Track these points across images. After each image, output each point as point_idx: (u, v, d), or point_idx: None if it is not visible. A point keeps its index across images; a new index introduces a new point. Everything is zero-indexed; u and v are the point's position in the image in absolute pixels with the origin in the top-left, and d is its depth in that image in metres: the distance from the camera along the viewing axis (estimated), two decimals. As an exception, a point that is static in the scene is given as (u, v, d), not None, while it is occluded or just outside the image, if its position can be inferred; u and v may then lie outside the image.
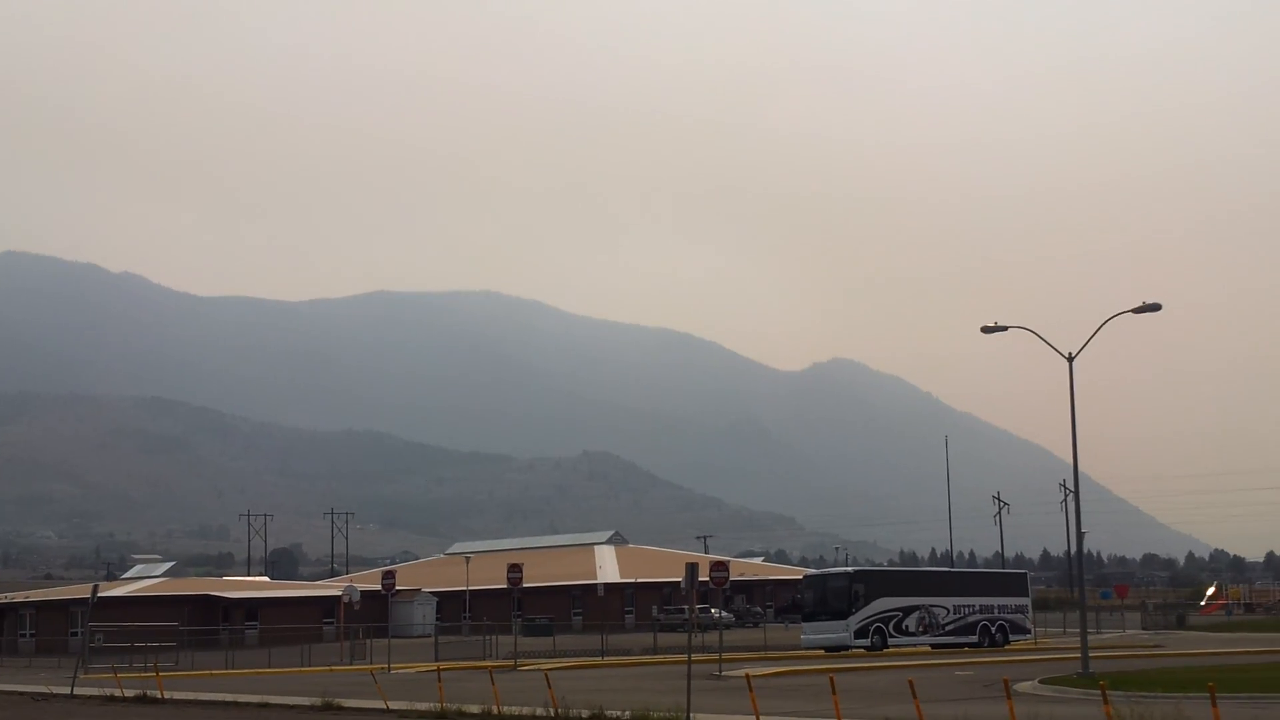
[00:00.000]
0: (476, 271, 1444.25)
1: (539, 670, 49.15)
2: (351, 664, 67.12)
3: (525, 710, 32.98)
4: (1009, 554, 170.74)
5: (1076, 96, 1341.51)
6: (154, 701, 43.34)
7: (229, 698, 42.78)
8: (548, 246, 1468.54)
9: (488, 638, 71.01)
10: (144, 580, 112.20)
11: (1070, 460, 48.96)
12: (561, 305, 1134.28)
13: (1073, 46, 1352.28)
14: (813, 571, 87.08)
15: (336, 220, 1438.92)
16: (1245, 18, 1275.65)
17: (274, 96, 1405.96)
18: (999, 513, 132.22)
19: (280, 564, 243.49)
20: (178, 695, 45.01)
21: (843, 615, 67.20)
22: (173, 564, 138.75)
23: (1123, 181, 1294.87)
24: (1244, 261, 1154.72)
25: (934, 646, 70.18)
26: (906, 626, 69.32)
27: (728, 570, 52.83)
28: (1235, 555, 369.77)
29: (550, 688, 33.82)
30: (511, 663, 59.66)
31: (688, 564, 40.14)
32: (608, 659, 64.09)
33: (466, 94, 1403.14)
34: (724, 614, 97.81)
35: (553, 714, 32.01)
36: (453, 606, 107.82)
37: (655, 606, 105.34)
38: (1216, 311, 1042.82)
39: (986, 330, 48.21)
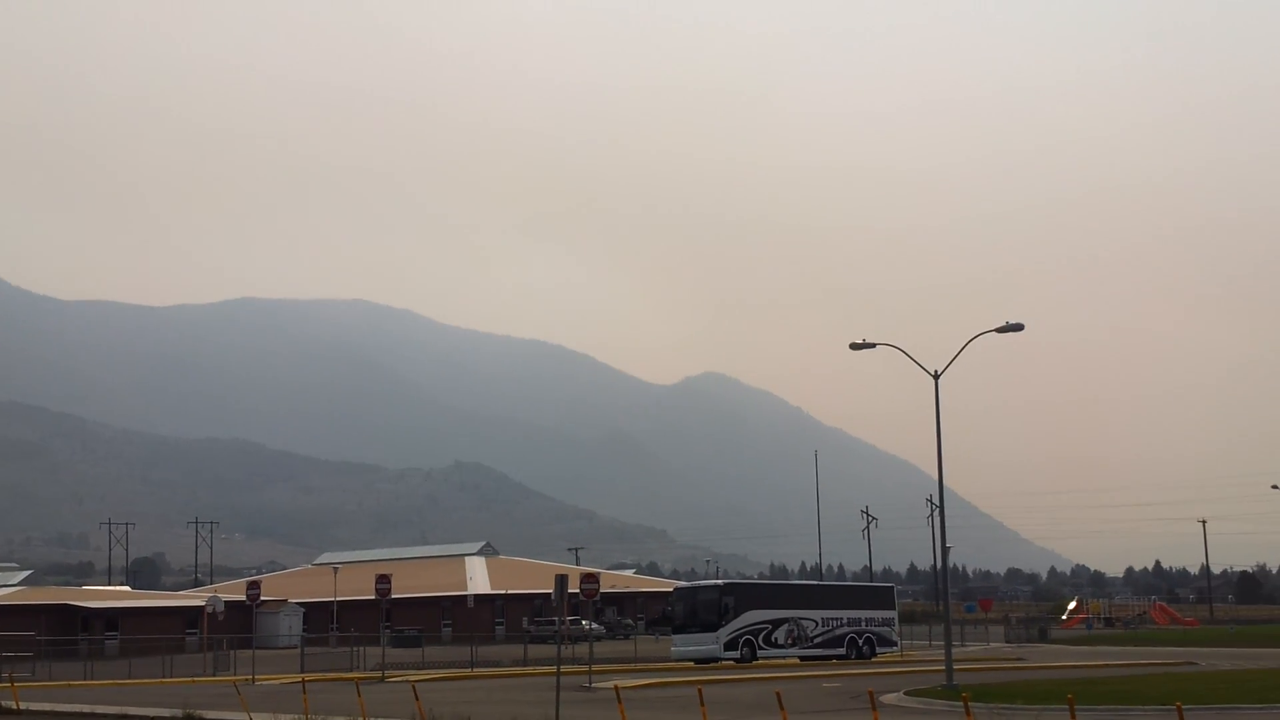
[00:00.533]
0: (347, 280, 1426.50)
1: (407, 682, 48.67)
2: (215, 675, 65.84)
3: (393, 722, 32.62)
4: (877, 568, 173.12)
5: (949, 125, 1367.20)
6: (9, 713, 42.08)
7: (87, 709, 41.69)
8: (419, 256, 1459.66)
9: (355, 649, 70.12)
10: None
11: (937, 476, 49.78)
12: (433, 315, 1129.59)
13: (948, 77, 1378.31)
14: (683, 584, 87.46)
15: (204, 225, 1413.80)
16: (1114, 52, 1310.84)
17: (141, 96, 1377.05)
18: (867, 527, 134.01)
19: (142, 573, 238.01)
20: (34, 706, 43.75)
21: (713, 628, 67.51)
22: (30, 572, 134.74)
23: (996, 211, 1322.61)
24: (1106, 292, 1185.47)
25: (803, 659, 70.84)
26: (776, 639, 69.85)
27: (598, 582, 52.75)
28: (1096, 570, 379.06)
29: (418, 699, 33.49)
30: (379, 674, 58.99)
31: (557, 576, 39.99)
32: (477, 670, 63.67)
33: (333, 98, 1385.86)
34: (595, 626, 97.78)
35: (421, 726, 31.69)
36: (320, 617, 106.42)
37: (526, 618, 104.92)
38: (1080, 336, 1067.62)
39: (855, 347, 48.79)
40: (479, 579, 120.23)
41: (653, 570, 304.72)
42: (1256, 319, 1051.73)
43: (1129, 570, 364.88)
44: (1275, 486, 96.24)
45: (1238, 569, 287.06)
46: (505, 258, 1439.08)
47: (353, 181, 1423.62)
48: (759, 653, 68.57)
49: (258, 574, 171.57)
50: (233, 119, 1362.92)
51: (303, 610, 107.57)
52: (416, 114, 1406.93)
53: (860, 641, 74.27)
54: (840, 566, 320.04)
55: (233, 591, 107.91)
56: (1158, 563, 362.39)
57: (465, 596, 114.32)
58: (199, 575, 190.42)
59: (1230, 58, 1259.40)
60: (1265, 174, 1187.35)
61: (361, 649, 69.97)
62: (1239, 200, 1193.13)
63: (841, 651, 72.87)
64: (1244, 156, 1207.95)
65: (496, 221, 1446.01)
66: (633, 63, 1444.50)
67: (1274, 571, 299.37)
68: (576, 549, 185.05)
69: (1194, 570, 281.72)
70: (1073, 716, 23.68)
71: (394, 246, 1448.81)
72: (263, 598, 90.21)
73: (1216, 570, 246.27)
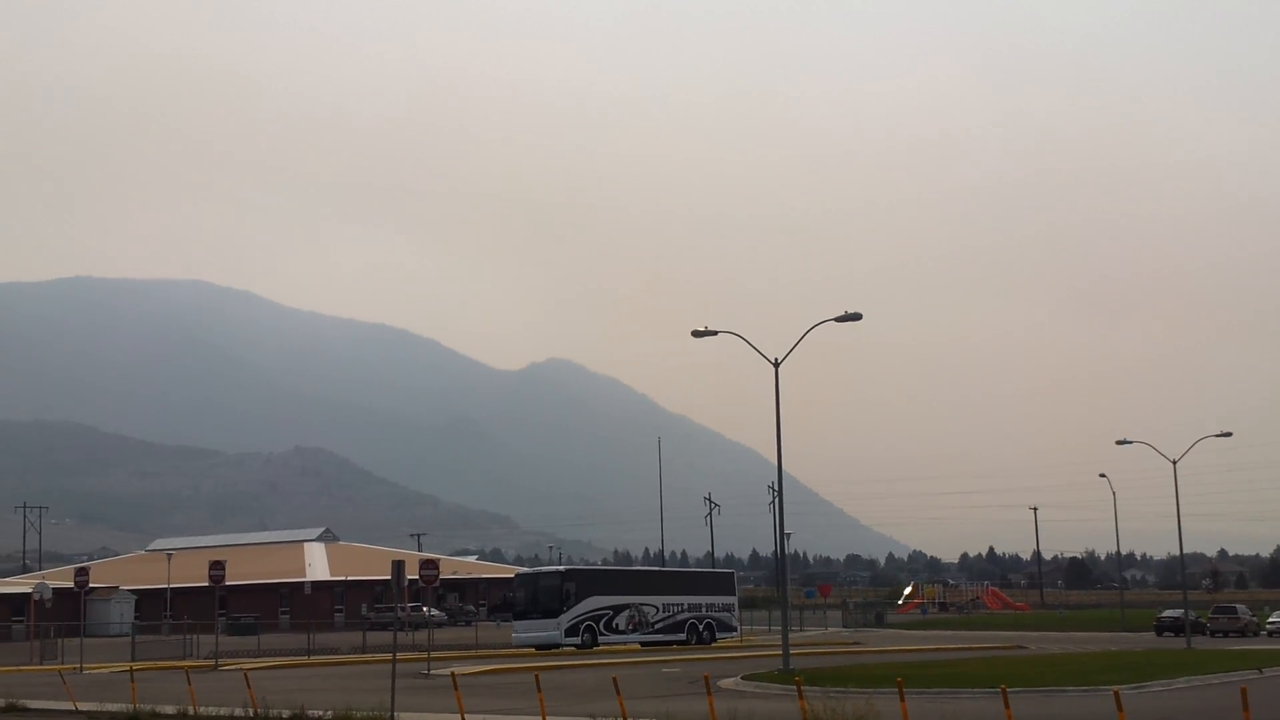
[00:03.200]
0: (186, 260, 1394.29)
1: (241, 670, 47.79)
2: (42, 664, 63.93)
3: (223, 711, 31.93)
4: (720, 554, 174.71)
5: (798, 119, 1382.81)
6: None
7: (-99, 701, 40.16)
8: (261, 238, 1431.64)
9: (189, 637, 68.71)
10: None
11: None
12: (275, 297, 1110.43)
13: (801, 70, 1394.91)
14: (525, 570, 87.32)
15: (36, 201, 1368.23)
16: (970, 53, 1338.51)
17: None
18: (710, 514, 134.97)
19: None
20: None
21: (554, 614, 67.48)
22: None
23: (843, 207, 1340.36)
24: (949, 291, 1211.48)
25: (644, 644, 71.16)
26: (617, 625, 70.08)
27: (437, 569, 52.27)
28: (933, 556, 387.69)
29: (250, 687, 32.89)
30: (212, 662, 57.83)
31: (394, 562, 39.57)
32: (314, 658, 62.81)
33: (167, 72, 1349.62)
34: (436, 613, 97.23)
35: (252, 714, 31.09)
36: (153, 605, 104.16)
37: (365, 605, 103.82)
38: (922, 333, 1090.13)
39: (697, 334, 49.00)
40: (318, 565, 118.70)
41: (496, 557, 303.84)
42: (1092, 322, 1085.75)
43: (964, 556, 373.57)
44: (1103, 475, 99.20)
45: (1068, 555, 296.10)
46: (349, 240, 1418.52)
47: (191, 161, 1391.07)
48: (600, 639, 68.74)
49: (89, 561, 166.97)
50: (63, 90, 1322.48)
51: (135, 598, 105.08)
52: (256, 90, 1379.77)
53: (701, 627, 74.85)
54: (683, 553, 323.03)
55: (62, 578, 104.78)
56: (991, 549, 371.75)
57: (303, 583, 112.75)
58: (27, 562, 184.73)
59: (1065, 68, 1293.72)
60: (1110, 182, 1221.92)
61: (195, 637, 68.59)
62: (1078, 208, 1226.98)
63: (682, 637, 73.38)
64: (1099, 163, 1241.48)
65: (342, 203, 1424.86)
66: (481, 46, 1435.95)
67: (1102, 558, 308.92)
68: (419, 535, 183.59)
69: (1026, 556, 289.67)
70: (902, 700, 24.09)
71: (235, 227, 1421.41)
72: (93, 585, 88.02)
73: (1048, 556, 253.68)
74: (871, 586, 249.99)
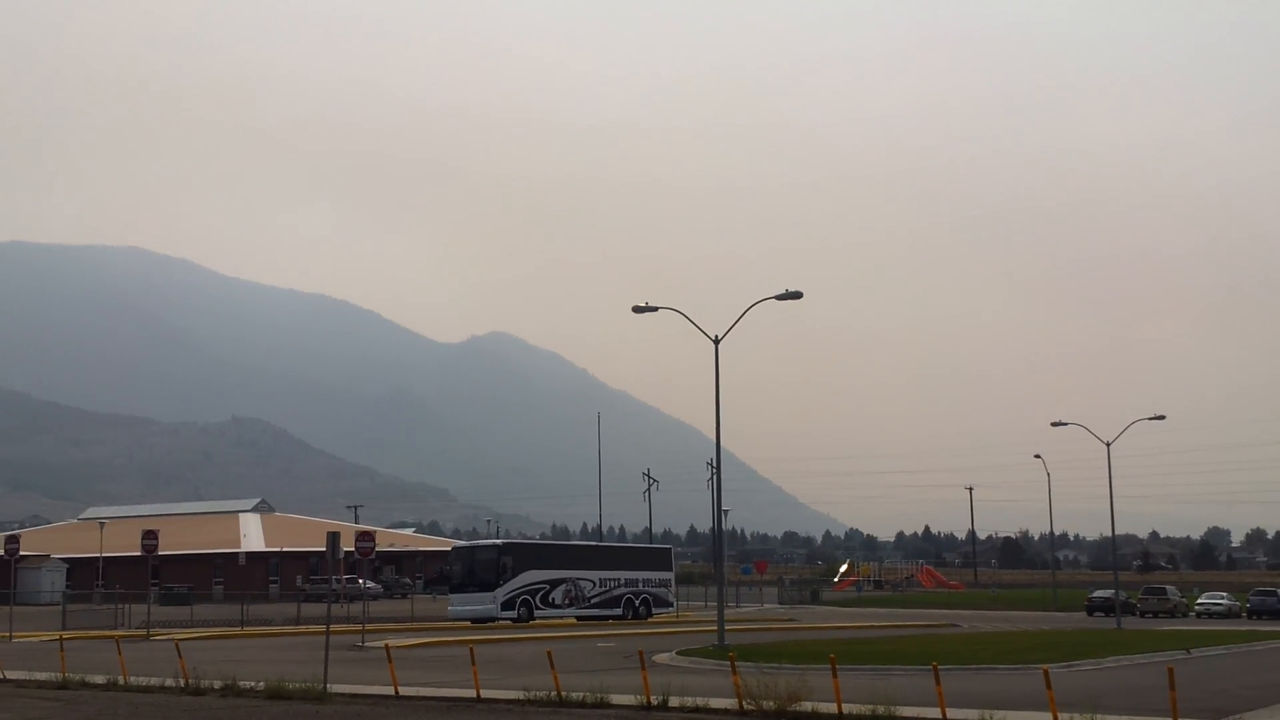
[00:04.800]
0: (122, 227, 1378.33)
1: (172, 640, 47.41)
2: (-32, 633, 63.11)
3: (154, 681, 31.66)
4: (658, 530, 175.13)
5: (732, 95, 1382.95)
6: None
7: None
8: (199, 206, 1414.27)
9: (121, 607, 67.99)
10: None
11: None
12: (214, 266, 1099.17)
13: (727, 47, 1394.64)
14: (462, 543, 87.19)
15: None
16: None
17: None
18: (648, 489, 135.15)
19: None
20: None
21: (490, 587, 67.45)
22: None
23: (783, 183, 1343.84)
24: (885, 267, 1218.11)
25: (580, 618, 71.28)
26: (553, 599, 70.15)
27: (373, 540, 52.01)
28: (869, 535, 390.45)
29: (181, 658, 32.61)
30: (144, 632, 57.33)
31: (329, 533, 39.39)
32: (248, 629, 62.43)
33: (104, 34, 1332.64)
34: (371, 585, 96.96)
35: (183, 685, 30.84)
36: (85, 574, 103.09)
37: (301, 577, 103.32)
38: (858, 308, 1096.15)
39: (638, 310, 48.99)
40: (253, 536, 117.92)
41: (434, 530, 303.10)
42: (1032, 306, 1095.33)
43: (900, 535, 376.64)
44: (1038, 456, 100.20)
45: (1002, 535, 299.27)
46: (290, 210, 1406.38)
47: (130, 125, 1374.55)
48: (536, 613, 68.77)
49: (20, 529, 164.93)
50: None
51: (66, 566, 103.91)
52: (194, 56, 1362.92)
53: (637, 602, 75.07)
54: (622, 528, 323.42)
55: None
56: (927, 528, 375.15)
57: (238, 554, 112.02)
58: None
59: (1008, 51, 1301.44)
60: (1050, 169, 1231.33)
61: (128, 606, 67.93)
62: (1020, 191, 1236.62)
63: (618, 612, 73.57)
64: (1042, 149, 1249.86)
65: (283, 172, 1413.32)
66: (422, 9, 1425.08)
67: (1036, 538, 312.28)
68: (356, 507, 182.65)
69: (961, 536, 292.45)
70: (834, 676, 24.24)
71: (174, 195, 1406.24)
72: (24, 553, 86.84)
73: (982, 536, 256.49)
74: (808, 564, 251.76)
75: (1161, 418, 77.70)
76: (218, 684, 30.33)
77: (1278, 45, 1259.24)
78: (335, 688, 29.93)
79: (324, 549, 41.84)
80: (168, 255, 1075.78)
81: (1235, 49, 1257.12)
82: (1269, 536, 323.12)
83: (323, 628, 35.27)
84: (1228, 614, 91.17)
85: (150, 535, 62.42)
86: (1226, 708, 26.28)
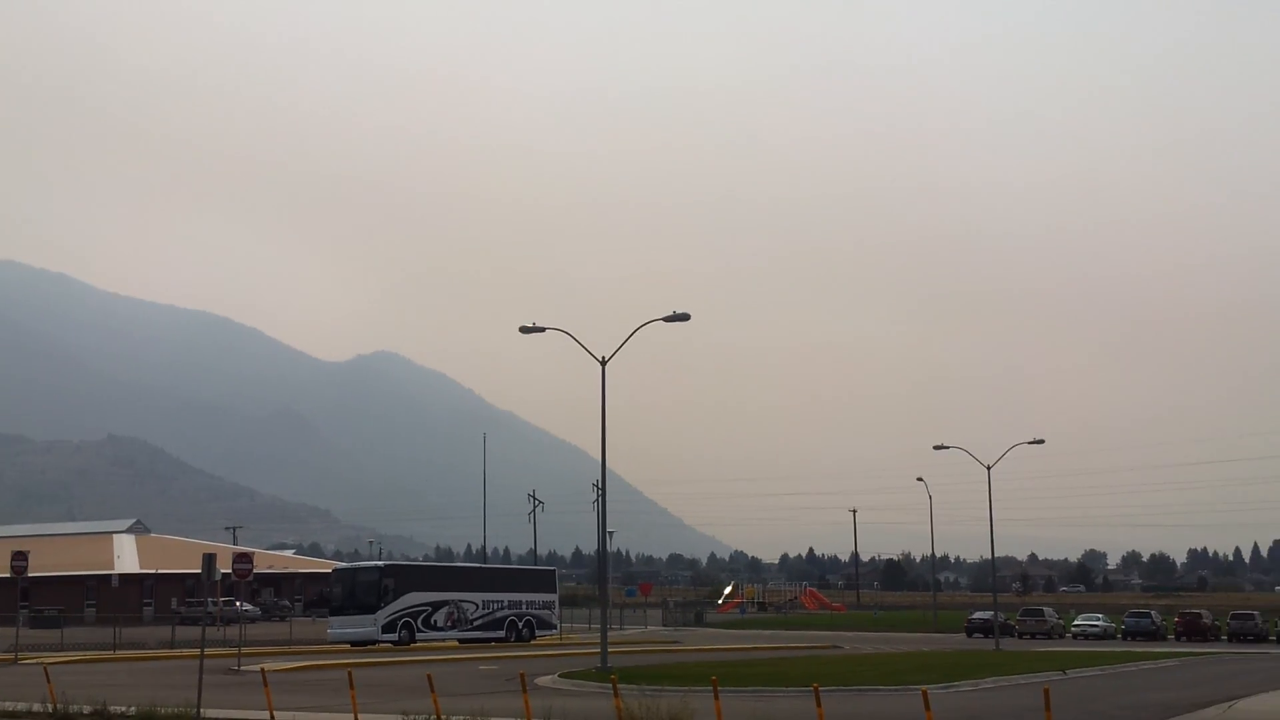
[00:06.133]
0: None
1: (41, 664, 46.12)
2: None
3: (20, 706, 30.74)
4: (543, 551, 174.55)
5: (624, 114, 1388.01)
6: None
7: None
8: (77, 217, 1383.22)
9: (-13, 630, 66.23)
10: None
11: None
12: (92, 280, 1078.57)
13: (616, 68, 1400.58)
14: (343, 565, 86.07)
15: None
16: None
17: None
18: (533, 510, 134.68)
19: None
20: None
21: (371, 609, 66.60)
22: None
23: (672, 205, 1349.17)
24: (773, 291, 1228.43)
25: (462, 641, 70.71)
26: (436, 621, 69.48)
27: (251, 562, 50.97)
28: (753, 557, 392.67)
29: (50, 682, 31.70)
30: (12, 656, 55.76)
31: (205, 555, 38.54)
32: (120, 653, 60.97)
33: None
34: (249, 607, 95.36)
35: (51, 710, 29.96)
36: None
37: (176, 599, 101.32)
38: (745, 330, 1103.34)
39: (525, 330, 48.74)
40: (127, 558, 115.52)
41: (315, 551, 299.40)
42: (916, 331, 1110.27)
43: (784, 557, 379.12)
44: (920, 479, 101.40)
45: (885, 557, 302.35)
46: (172, 224, 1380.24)
47: (6, 136, 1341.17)
48: (418, 635, 68.06)
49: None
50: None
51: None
52: (79, 65, 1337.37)
53: (520, 624, 74.66)
54: (506, 549, 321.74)
55: None
56: (811, 550, 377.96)
57: (111, 576, 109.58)
58: None
59: (904, 84, 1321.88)
60: (940, 197, 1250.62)
61: (-6, 630, 66.17)
62: (913, 220, 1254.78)
63: (501, 634, 73.10)
64: (932, 179, 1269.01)
65: (165, 186, 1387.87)
66: (310, 23, 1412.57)
67: (918, 560, 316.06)
68: (235, 528, 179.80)
69: (845, 558, 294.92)
70: (716, 698, 24.19)
71: (52, 208, 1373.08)
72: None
73: (865, 558, 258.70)
74: (692, 586, 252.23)
75: (1040, 442, 79.04)
76: (87, 709, 29.53)
77: (1168, 85, 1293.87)
78: (209, 713, 29.27)
79: (199, 571, 40.96)
80: (45, 269, 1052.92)
81: (1128, 88, 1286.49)
82: (1144, 559, 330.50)
83: (197, 651, 34.52)
84: (1103, 635, 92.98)
85: (20, 556, 60.70)
86: (1101, 728, 26.63)
